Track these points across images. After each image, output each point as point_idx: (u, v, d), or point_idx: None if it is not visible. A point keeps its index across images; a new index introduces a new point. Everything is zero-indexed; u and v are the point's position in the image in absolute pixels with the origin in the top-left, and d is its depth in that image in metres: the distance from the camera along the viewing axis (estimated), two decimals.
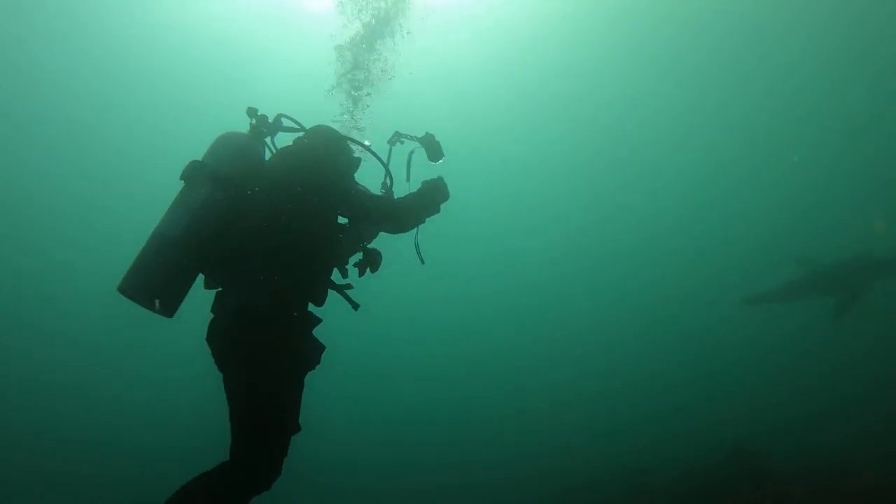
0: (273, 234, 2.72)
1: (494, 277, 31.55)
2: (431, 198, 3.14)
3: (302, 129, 3.15)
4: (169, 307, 2.67)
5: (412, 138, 3.34)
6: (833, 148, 25.29)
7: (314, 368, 2.86)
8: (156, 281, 2.59)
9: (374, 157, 3.22)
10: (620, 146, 27.97)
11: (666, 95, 25.07)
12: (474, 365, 28.27)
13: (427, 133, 3.35)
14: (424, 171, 3.32)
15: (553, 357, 27.90)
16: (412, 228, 3.15)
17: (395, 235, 3.18)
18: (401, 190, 3.26)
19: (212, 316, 2.83)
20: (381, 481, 17.22)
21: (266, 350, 2.63)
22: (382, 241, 3.24)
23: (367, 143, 3.28)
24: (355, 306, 3.04)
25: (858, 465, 8.87)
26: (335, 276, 3.05)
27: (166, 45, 22.13)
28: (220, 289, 2.84)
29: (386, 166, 3.25)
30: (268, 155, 3.08)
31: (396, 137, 3.34)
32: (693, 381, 22.47)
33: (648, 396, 22.04)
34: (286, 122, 3.13)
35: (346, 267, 3.11)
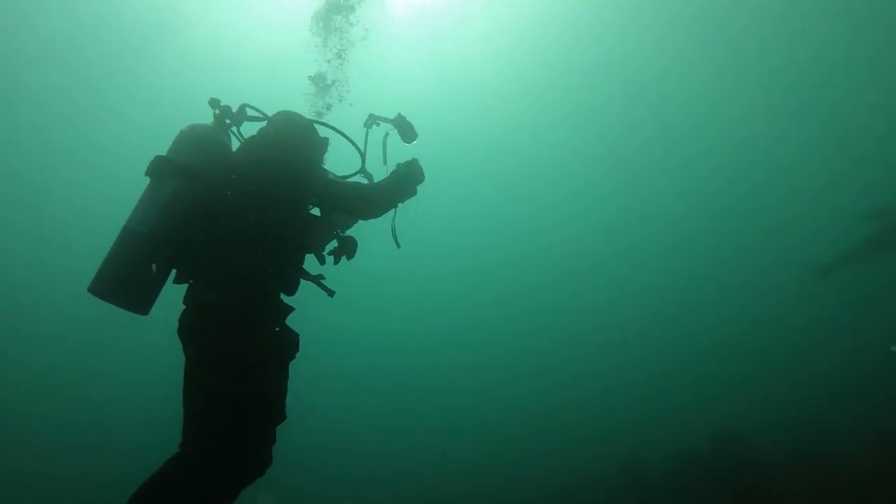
0: (243, 226, 2.66)
1: (494, 276, 31.57)
2: (404, 181, 3.09)
3: (266, 118, 3.09)
4: (143, 305, 2.63)
5: (385, 120, 3.32)
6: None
7: (294, 358, 2.79)
8: (127, 279, 2.55)
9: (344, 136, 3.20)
10: (622, 143, 28.08)
11: (666, 95, 25.17)
12: (473, 365, 28.25)
13: (399, 114, 3.32)
14: (406, 153, 3.29)
15: (552, 355, 27.97)
16: (384, 213, 3.11)
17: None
18: (379, 174, 3.22)
19: (184, 307, 2.74)
20: (380, 482, 17.14)
21: (241, 345, 2.53)
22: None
23: (332, 124, 3.24)
24: (330, 293, 2.98)
25: (847, 454, 8.94)
26: (313, 266, 2.98)
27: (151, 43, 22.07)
28: (191, 282, 2.75)
29: (360, 150, 3.24)
30: (235, 146, 3.02)
31: (371, 120, 3.32)
32: (684, 376, 22.53)
33: (641, 393, 22.07)
34: (250, 112, 3.07)
35: (323, 255, 3.05)
